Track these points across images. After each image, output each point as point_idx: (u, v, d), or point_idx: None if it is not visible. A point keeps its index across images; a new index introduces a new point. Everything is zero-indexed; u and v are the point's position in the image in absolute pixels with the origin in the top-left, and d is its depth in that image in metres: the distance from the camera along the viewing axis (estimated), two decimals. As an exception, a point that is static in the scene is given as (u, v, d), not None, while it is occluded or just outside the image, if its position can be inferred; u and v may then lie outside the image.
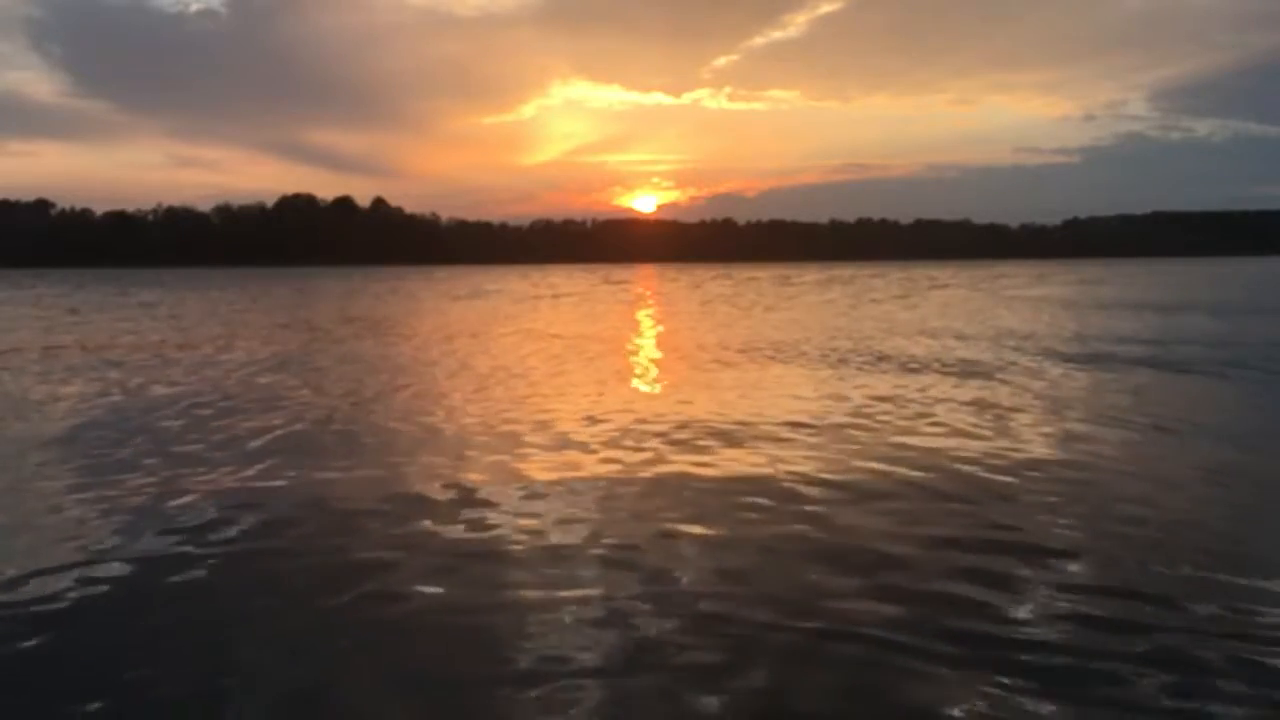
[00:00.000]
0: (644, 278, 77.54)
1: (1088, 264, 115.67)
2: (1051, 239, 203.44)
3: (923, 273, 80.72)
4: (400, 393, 12.55)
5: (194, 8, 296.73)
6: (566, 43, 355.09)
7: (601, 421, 10.06)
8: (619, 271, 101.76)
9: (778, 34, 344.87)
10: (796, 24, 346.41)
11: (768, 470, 7.73)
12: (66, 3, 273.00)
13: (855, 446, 8.60)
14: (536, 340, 20.34)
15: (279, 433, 9.59)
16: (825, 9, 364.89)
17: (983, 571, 5.24)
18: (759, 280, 65.06)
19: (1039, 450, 8.40)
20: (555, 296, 44.05)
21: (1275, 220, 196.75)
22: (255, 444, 9.01)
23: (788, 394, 11.98)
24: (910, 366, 14.70)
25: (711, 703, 3.84)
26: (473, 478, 7.51)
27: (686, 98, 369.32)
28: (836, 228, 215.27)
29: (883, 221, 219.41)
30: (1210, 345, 17.41)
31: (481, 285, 58.81)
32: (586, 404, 11.29)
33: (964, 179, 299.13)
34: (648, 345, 19.66)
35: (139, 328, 25.03)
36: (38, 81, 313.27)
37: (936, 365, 14.83)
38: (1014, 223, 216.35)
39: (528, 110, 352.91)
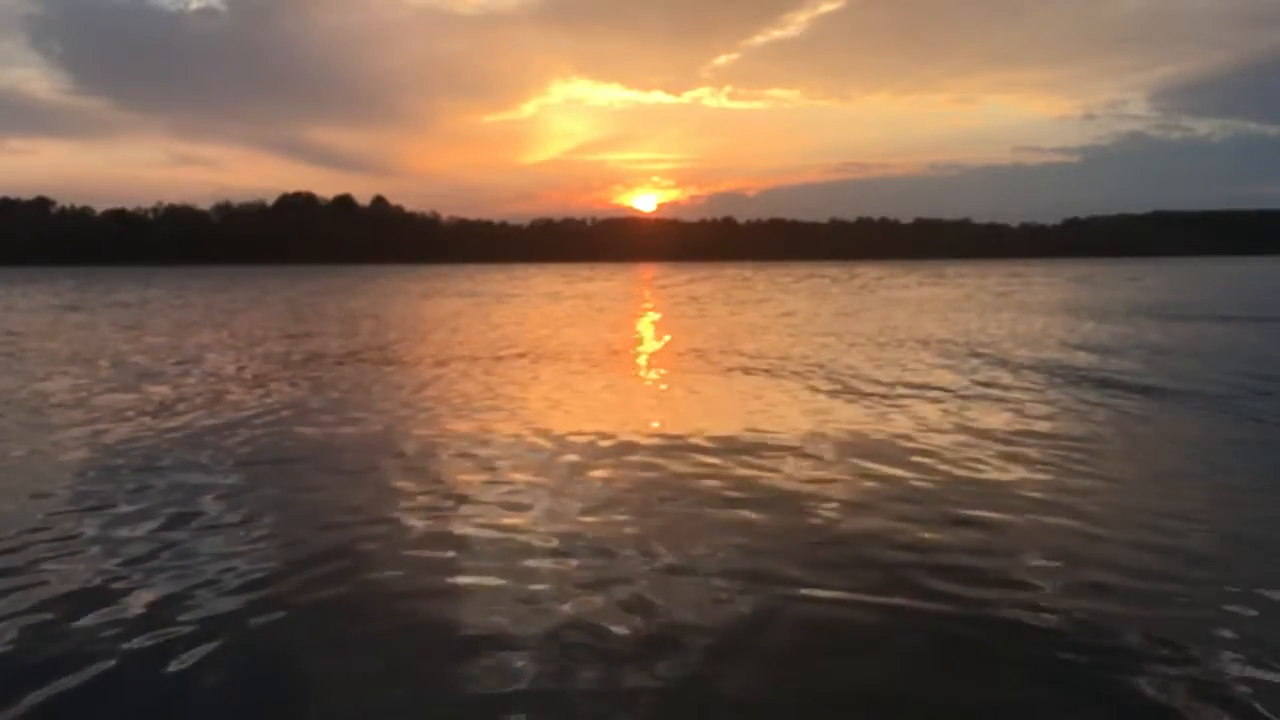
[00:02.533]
0: (640, 278, 77.70)
1: (1086, 263, 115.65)
2: (1051, 238, 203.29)
3: (920, 272, 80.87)
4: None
5: (194, 6, 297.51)
6: (567, 41, 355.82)
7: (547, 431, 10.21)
8: (617, 271, 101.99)
9: (778, 33, 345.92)
10: (797, 23, 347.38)
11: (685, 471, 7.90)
12: (67, 1, 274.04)
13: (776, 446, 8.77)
14: (495, 336, 20.52)
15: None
16: (826, 8, 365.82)
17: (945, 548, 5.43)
18: (751, 280, 65.22)
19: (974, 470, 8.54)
20: (553, 295, 44.31)
21: (1276, 220, 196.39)
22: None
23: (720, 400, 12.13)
24: (855, 380, 14.85)
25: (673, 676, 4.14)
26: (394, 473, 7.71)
27: (687, 96, 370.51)
28: (837, 227, 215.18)
29: (883, 221, 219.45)
30: (1164, 355, 17.52)
31: (470, 287, 58.92)
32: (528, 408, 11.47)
33: (964, 178, 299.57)
34: (614, 347, 19.76)
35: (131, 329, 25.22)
36: (38, 79, 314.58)
37: (873, 378, 14.97)
38: (1014, 222, 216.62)
39: (528, 109, 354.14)
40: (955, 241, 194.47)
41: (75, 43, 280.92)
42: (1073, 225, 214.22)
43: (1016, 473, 7.67)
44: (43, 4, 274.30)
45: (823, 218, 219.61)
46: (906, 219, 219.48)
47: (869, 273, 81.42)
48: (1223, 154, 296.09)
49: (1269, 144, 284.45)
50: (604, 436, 9.26)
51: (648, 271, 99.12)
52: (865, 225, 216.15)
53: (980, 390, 12.26)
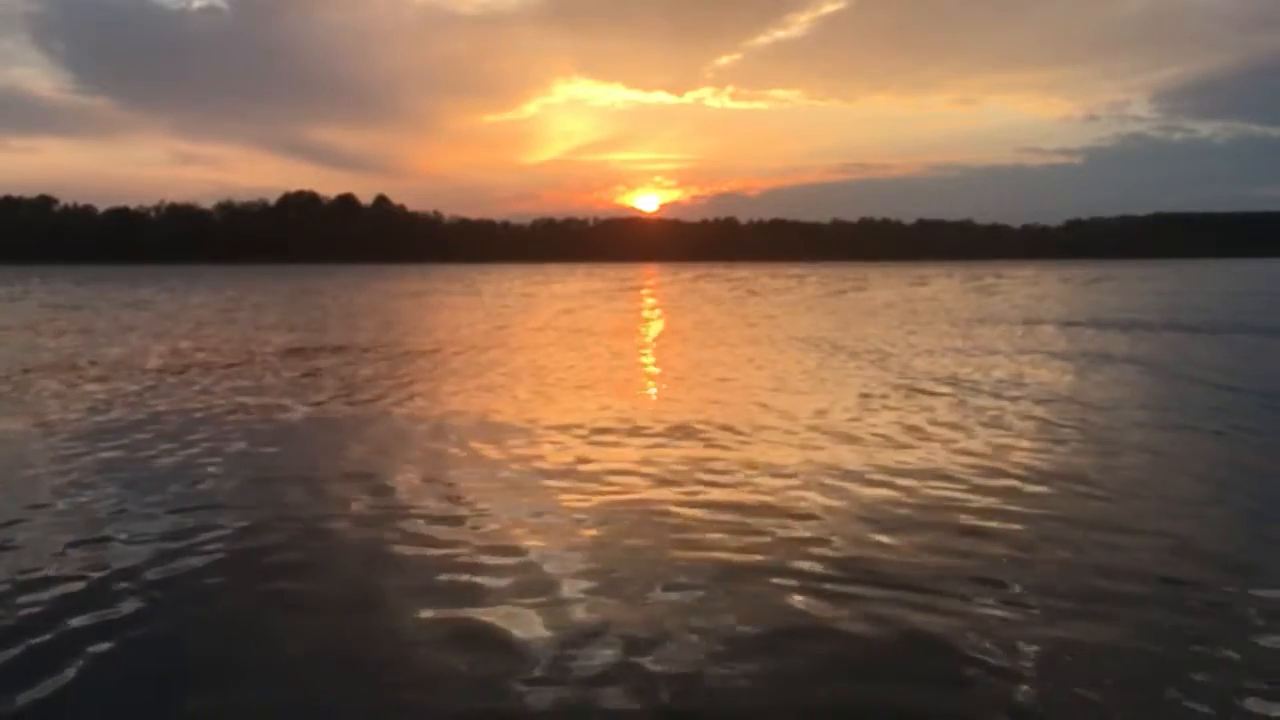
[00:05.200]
0: (634, 278, 77.99)
1: (1086, 265, 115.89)
2: (1053, 239, 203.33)
3: (915, 273, 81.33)
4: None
5: (197, 5, 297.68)
6: (569, 41, 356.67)
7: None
8: (621, 270, 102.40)
9: (780, 33, 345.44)
10: (799, 23, 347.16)
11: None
12: None
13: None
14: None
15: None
16: (828, 8, 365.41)
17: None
18: (746, 280, 65.52)
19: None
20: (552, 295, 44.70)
21: (1278, 222, 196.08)
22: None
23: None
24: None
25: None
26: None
27: (689, 96, 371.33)
28: (839, 227, 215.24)
29: (885, 221, 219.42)
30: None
31: (444, 287, 58.97)
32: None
33: (966, 179, 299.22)
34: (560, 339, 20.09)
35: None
36: (40, 78, 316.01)
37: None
38: (1016, 223, 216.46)
39: (530, 109, 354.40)
40: (957, 242, 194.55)
41: (78, 41, 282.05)
42: (1074, 226, 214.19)
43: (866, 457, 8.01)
44: (45, 3, 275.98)
45: (825, 218, 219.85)
46: (909, 219, 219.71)
47: (865, 274, 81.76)
48: (1225, 156, 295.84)
49: (1271, 146, 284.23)
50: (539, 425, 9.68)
51: (649, 271, 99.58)
52: (867, 226, 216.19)
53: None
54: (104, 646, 4.42)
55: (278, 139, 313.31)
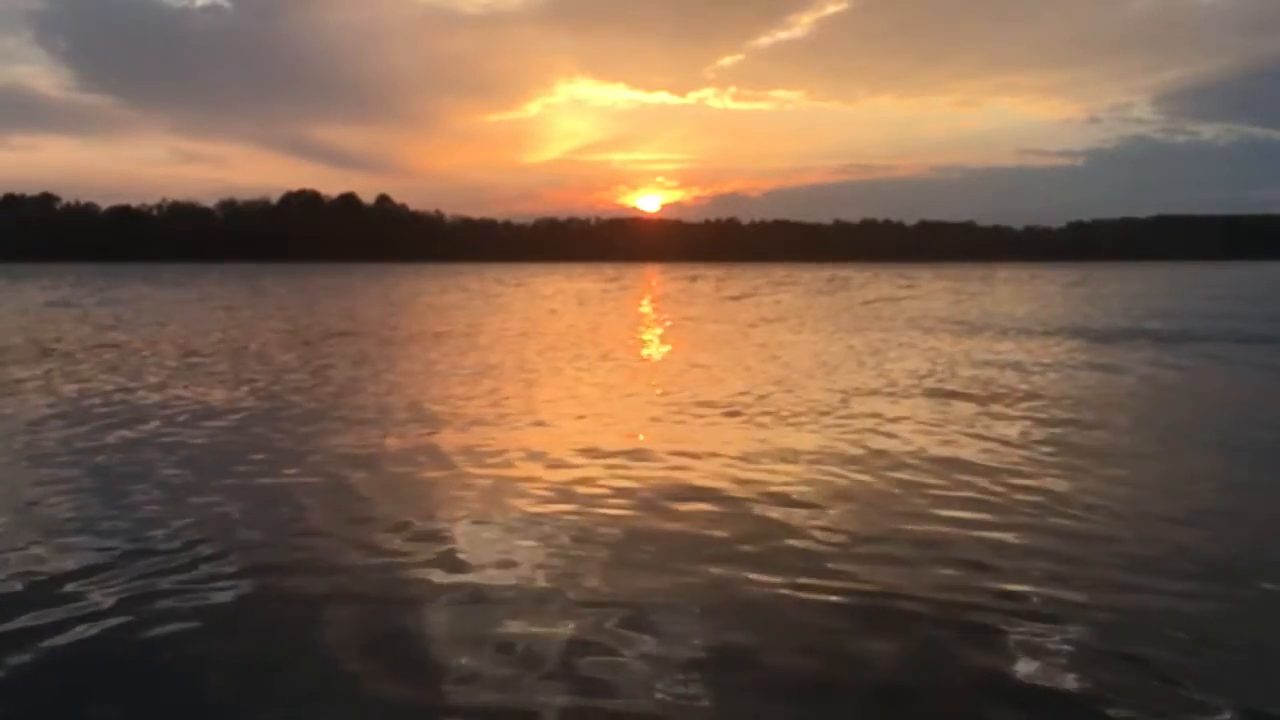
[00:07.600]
0: (630, 278, 78.27)
1: (1084, 266, 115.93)
2: (1055, 241, 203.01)
3: (914, 274, 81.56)
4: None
5: (199, 3, 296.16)
6: (571, 41, 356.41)
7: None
8: (621, 271, 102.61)
9: (783, 34, 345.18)
10: (802, 24, 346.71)
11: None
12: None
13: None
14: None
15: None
16: (830, 9, 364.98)
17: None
18: (734, 279, 65.69)
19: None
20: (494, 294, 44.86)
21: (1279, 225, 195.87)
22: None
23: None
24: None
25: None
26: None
27: (691, 97, 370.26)
28: (841, 228, 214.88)
29: (887, 223, 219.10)
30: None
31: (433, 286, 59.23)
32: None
33: (968, 180, 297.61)
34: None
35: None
36: (42, 75, 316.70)
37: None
38: (1018, 224, 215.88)
39: (532, 108, 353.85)
40: (959, 244, 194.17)
41: (80, 39, 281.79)
42: (1077, 228, 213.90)
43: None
44: (48, 0, 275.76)
45: (827, 219, 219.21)
46: (911, 220, 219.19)
47: (864, 275, 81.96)
48: (1227, 158, 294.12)
49: (1274, 148, 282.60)
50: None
51: (648, 272, 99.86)
52: (869, 227, 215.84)
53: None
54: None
55: (280, 138, 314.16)
